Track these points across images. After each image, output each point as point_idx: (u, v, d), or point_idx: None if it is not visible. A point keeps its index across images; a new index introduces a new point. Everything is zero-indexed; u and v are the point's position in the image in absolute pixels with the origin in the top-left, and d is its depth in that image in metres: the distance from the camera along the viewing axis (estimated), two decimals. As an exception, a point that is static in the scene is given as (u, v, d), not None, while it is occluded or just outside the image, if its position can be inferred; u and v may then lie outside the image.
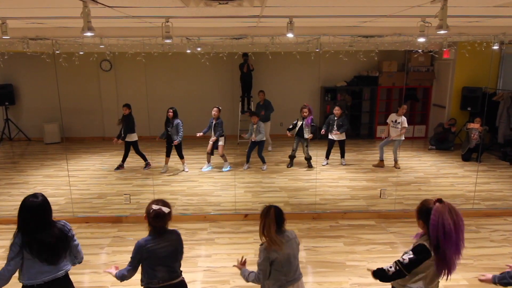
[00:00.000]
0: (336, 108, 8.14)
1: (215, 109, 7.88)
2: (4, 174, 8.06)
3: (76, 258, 3.02)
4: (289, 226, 3.00)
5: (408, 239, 5.15)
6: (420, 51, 8.33)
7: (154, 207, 2.80)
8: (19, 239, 2.75)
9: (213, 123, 7.90)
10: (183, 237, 3.02)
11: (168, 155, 8.02)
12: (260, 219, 2.86)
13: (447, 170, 8.18)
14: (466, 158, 8.76)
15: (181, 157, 8.04)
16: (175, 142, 7.68)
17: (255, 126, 8.05)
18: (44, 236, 2.77)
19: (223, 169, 8.19)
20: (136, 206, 6.27)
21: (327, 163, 8.52)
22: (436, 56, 10.04)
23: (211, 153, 8.13)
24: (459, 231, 2.48)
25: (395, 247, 5.05)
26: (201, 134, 7.91)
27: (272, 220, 2.80)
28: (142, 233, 5.44)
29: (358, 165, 8.53)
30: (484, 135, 8.71)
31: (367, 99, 11.23)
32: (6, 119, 10.69)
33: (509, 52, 9.45)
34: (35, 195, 2.84)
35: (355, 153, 9.51)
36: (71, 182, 6.91)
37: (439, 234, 2.44)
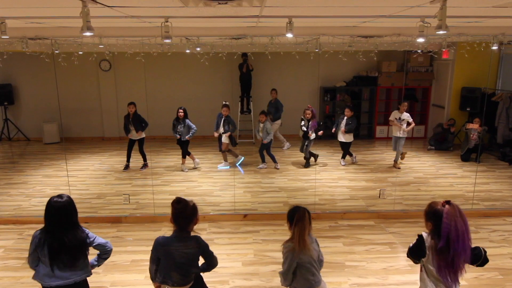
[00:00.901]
0: (347, 109, 8.34)
1: (224, 108, 7.89)
2: (3, 174, 8.05)
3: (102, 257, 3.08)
4: (288, 226, 3.00)
5: (407, 239, 5.16)
6: (419, 51, 8.35)
7: (178, 197, 2.83)
8: (37, 236, 2.78)
9: (223, 119, 7.91)
10: None
11: (184, 155, 8.09)
12: (295, 221, 2.80)
13: (446, 171, 8.19)
14: (465, 158, 8.77)
15: (184, 156, 8.07)
16: (187, 138, 7.78)
17: (261, 125, 8.10)
18: (63, 238, 2.75)
19: (219, 167, 8.31)
20: (135, 206, 6.27)
21: (345, 164, 8.58)
22: (435, 56, 10.05)
23: (224, 150, 8.14)
24: (468, 232, 2.53)
25: (394, 247, 5.05)
26: (217, 134, 8.06)
27: (308, 223, 2.81)
28: (141, 233, 5.46)
29: (358, 166, 8.53)
30: (483, 135, 8.72)
31: (366, 99, 11.23)
32: (5, 119, 10.68)
33: (508, 52, 9.45)
34: (60, 196, 2.83)
35: (354, 153, 9.50)
36: (70, 182, 6.90)
37: (452, 236, 2.47)
